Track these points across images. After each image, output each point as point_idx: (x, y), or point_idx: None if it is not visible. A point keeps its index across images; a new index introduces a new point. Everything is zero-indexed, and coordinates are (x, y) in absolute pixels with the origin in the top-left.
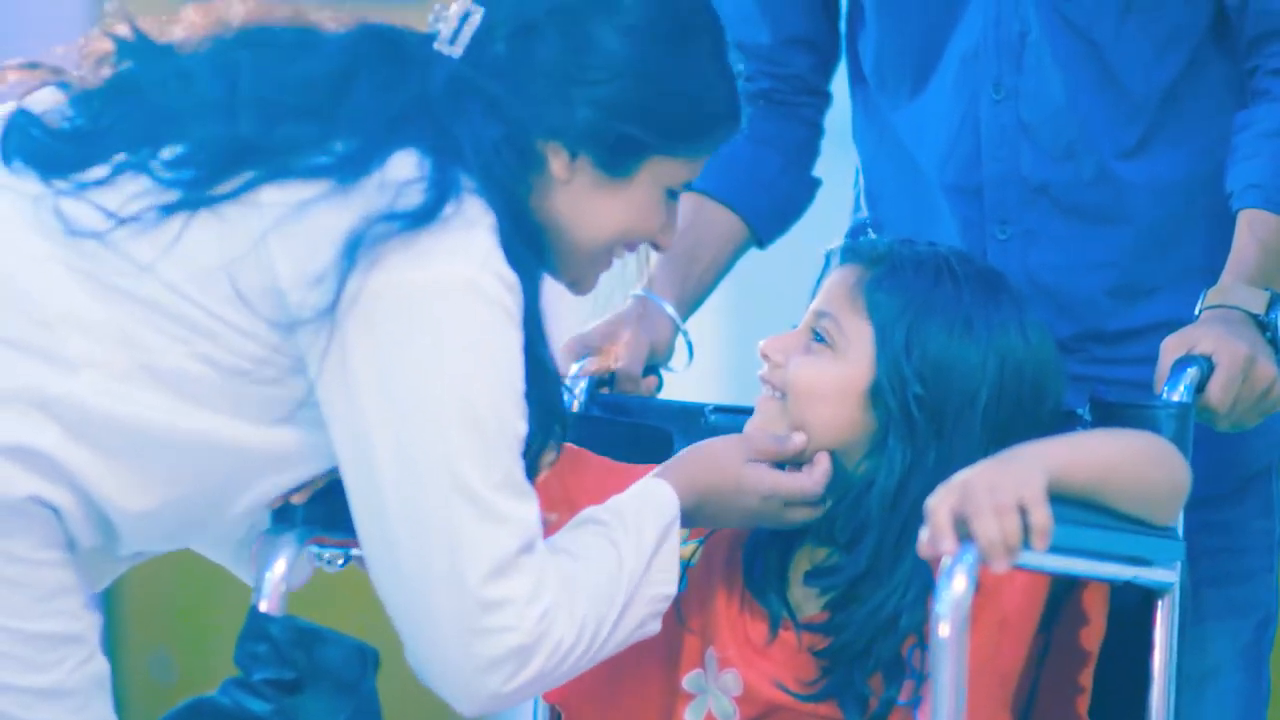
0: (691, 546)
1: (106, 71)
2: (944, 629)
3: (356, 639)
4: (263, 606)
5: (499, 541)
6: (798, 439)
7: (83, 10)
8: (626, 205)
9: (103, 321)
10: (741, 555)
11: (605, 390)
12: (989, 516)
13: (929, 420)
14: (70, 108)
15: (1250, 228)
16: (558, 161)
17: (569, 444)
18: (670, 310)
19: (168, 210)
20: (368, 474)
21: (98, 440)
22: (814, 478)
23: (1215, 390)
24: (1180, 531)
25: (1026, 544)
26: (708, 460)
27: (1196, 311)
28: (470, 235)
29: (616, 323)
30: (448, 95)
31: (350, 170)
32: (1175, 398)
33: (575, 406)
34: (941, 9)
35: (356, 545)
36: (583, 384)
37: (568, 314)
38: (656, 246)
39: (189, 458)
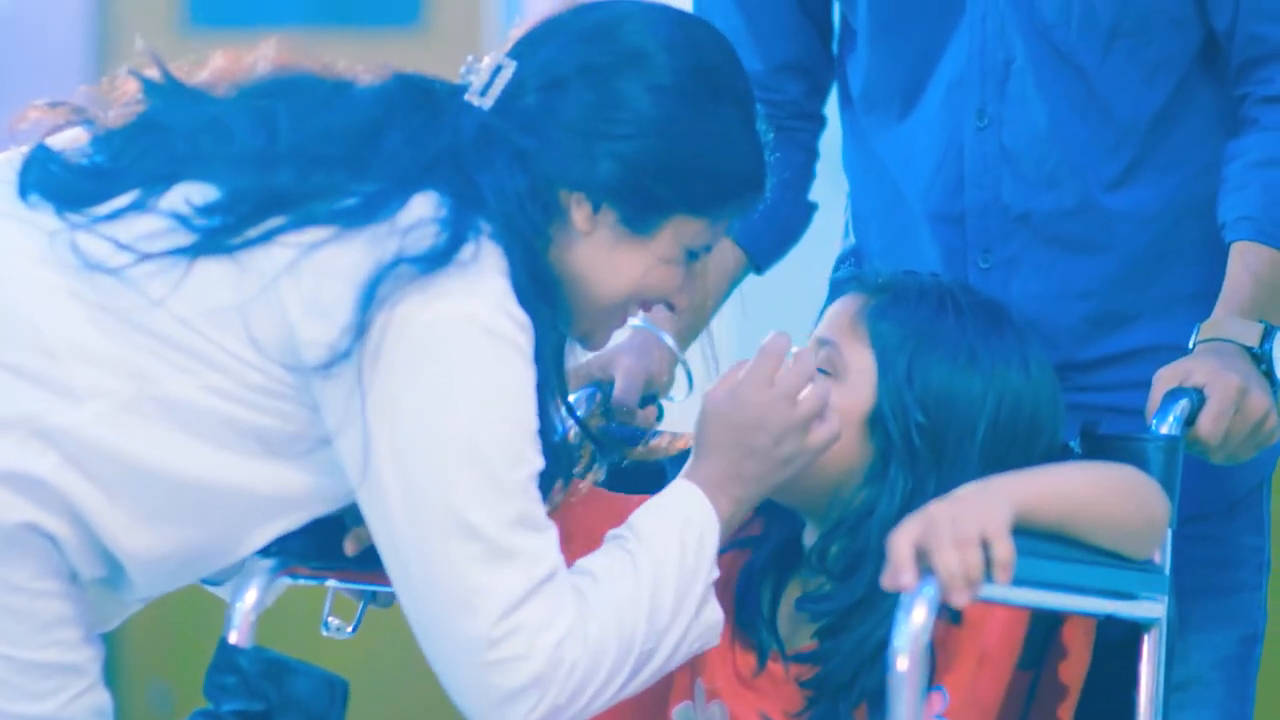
0: None
1: (132, 112)
2: (901, 662)
3: (325, 670)
4: (232, 638)
5: (509, 580)
6: (777, 339)
7: (84, 46)
8: (646, 262)
9: (110, 353)
10: (735, 587)
11: (602, 422)
12: (950, 549)
13: (930, 449)
14: (91, 146)
15: (1243, 260)
16: (580, 213)
17: None
18: (668, 340)
19: (187, 253)
20: (381, 512)
21: (100, 473)
22: (799, 368)
23: (1206, 423)
24: (1167, 563)
25: (990, 577)
26: (719, 429)
27: (1190, 345)
28: (484, 277)
29: (613, 353)
30: (476, 145)
31: (367, 212)
32: (1164, 430)
33: (571, 438)
34: (930, 35)
35: (331, 576)
36: (580, 413)
37: None
38: (671, 307)
39: (194, 495)
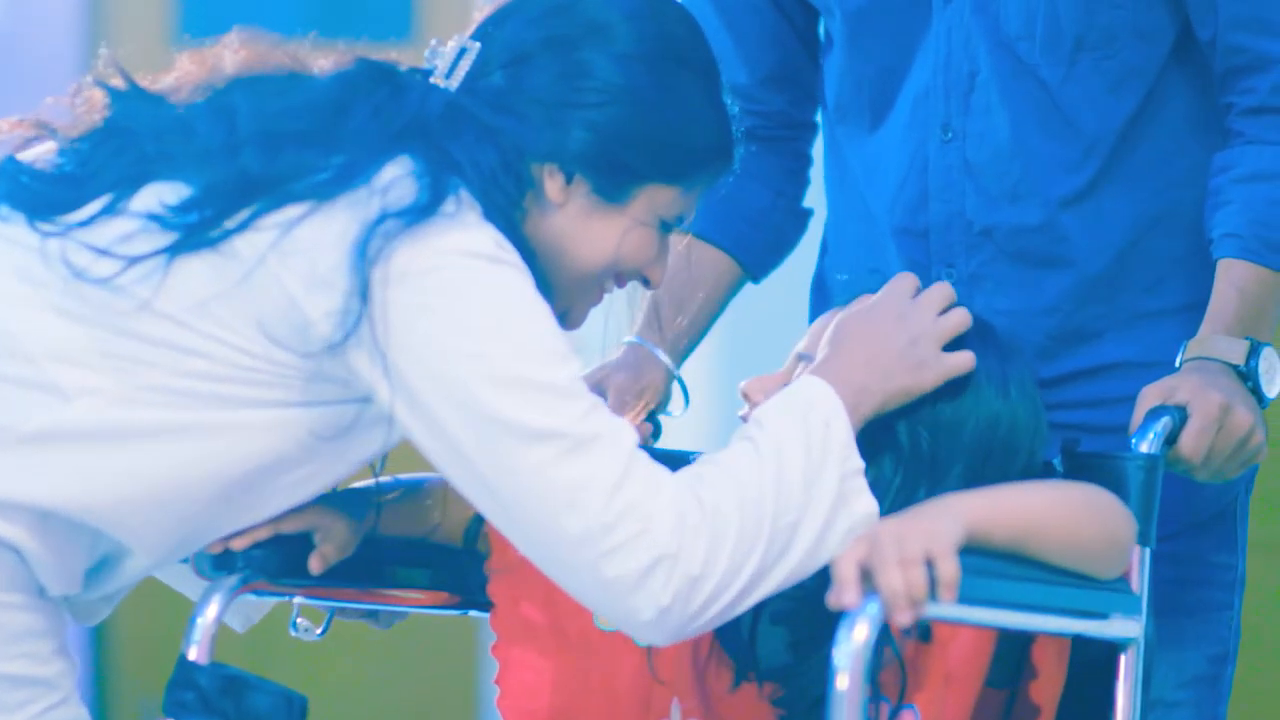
0: None
1: (96, 119)
2: (842, 681)
3: (284, 687)
4: (191, 654)
5: (600, 464)
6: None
7: (75, 59)
8: (620, 231)
9: (94, 355)
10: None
11: None
12: (893, 568)
13: (926, 457)
14: (59, 155)
15: (1228, 277)
16: (553, 184)
17: None
18: (663, 356)
19: (170, 251)
20: (455, 455)
21: (97, 466)
22: (944, 288)
23: (1187, 441)
24: (1145, 582)
25: (935, 596)
26: (859, 324)
27: (1177, 363)
28: (476, 227)
29: (605, 369)
30: (444, 121)
31: (341, 181)
32: (1145, 448)
33: None
34: (899, 47)
35: (297, 591)
36: None
37: None
38: (647, 283)
39: (199, 470)
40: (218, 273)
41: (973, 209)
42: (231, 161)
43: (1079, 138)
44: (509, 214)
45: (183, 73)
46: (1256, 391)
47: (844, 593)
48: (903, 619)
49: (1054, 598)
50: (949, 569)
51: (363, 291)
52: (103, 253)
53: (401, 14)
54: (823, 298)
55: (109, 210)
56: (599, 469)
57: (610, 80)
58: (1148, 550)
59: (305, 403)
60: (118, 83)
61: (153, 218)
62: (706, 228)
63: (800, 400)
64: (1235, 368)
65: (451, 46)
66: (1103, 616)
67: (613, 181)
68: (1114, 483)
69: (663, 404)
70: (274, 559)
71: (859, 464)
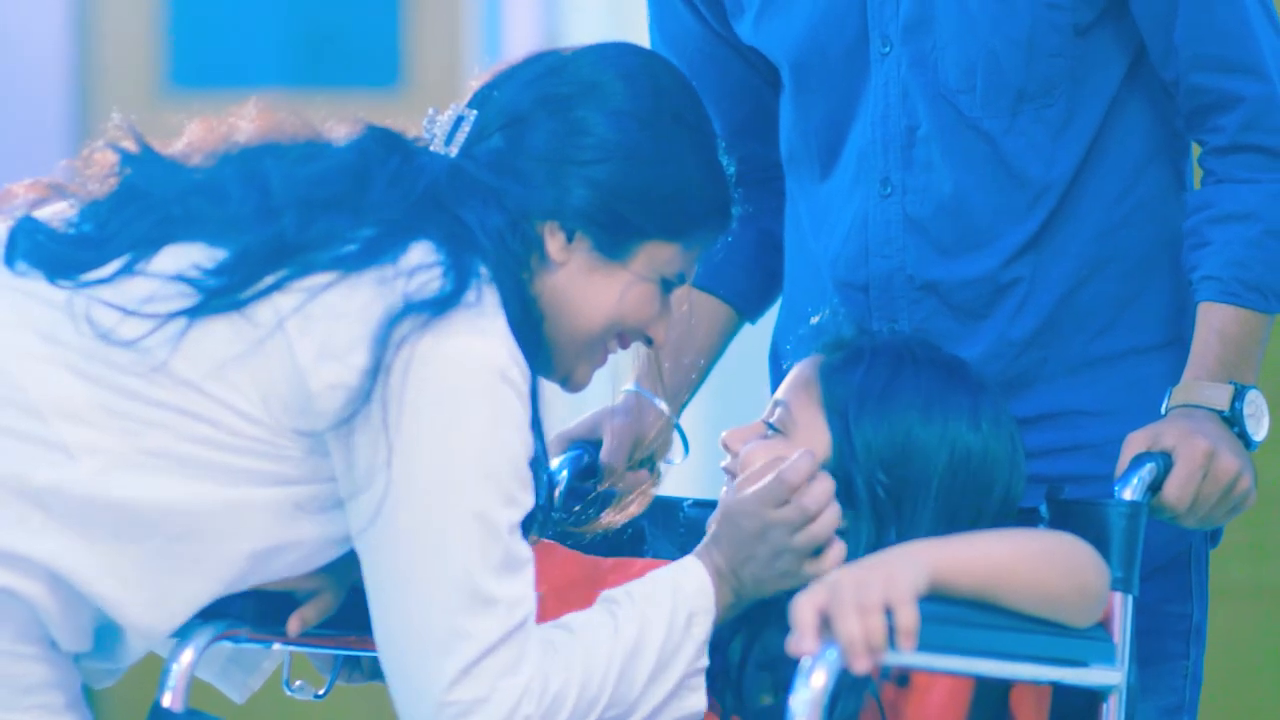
0: None
1: (112, 183)
2: None
3: None
4: (165, 700)
5: (487, 627)
6: (802, 461)
7: (65, 108)
8: (622, 289)
9: (102, 414)
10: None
11: (590, 484)
12: (851, 615)
13: (890, 501)
14: (78, 216)
15: (1208, 321)
16: (554, 242)
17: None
18: (661, 404)
19: (196, 312)
20: (383, 549)
21: (95, 529)
22: (813, 496)
23: (1172, 488)
24: (1127, 629)
25: (894, 644)
26: (730, 525)
27: (1163, 410)
28: (490, 318)
29: (602, 415)
30: (451, 185)
31: (368, 256)
32: (1128, 495)
33: (556, 498)
34: (840, 100)
35: (277, 640)
36: (564, 475)
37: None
38: (649, 342)
39: (193, 542)
40: (236, 335)
41: (914, 264)
42: (268, 225)
43: (1024, 189)
44: (518, 277)
45: (195, 138)
46: (1243, 436)
47: (803, 639)
48: (860, 666)
49: (1021, 645)
50: (908, 616)
51: (375, 373)
52: (130, 313)
53: (389, 61)
54: (777, 353)
55: (128, 270)
56: (482, 631)
57: (607, 137)
58: (1130, 598)
59: (305, 479)
60: (130, 145)
61: (181, 279)
62: (698, 276)
63: (674, 589)
64: (1220, 413)
65: (448, 115)
66: (1082, 664)
67: (614, 238)
68: (1097, 529)
69: (662, 451)
70: (253, 607)
71: (705, 663)
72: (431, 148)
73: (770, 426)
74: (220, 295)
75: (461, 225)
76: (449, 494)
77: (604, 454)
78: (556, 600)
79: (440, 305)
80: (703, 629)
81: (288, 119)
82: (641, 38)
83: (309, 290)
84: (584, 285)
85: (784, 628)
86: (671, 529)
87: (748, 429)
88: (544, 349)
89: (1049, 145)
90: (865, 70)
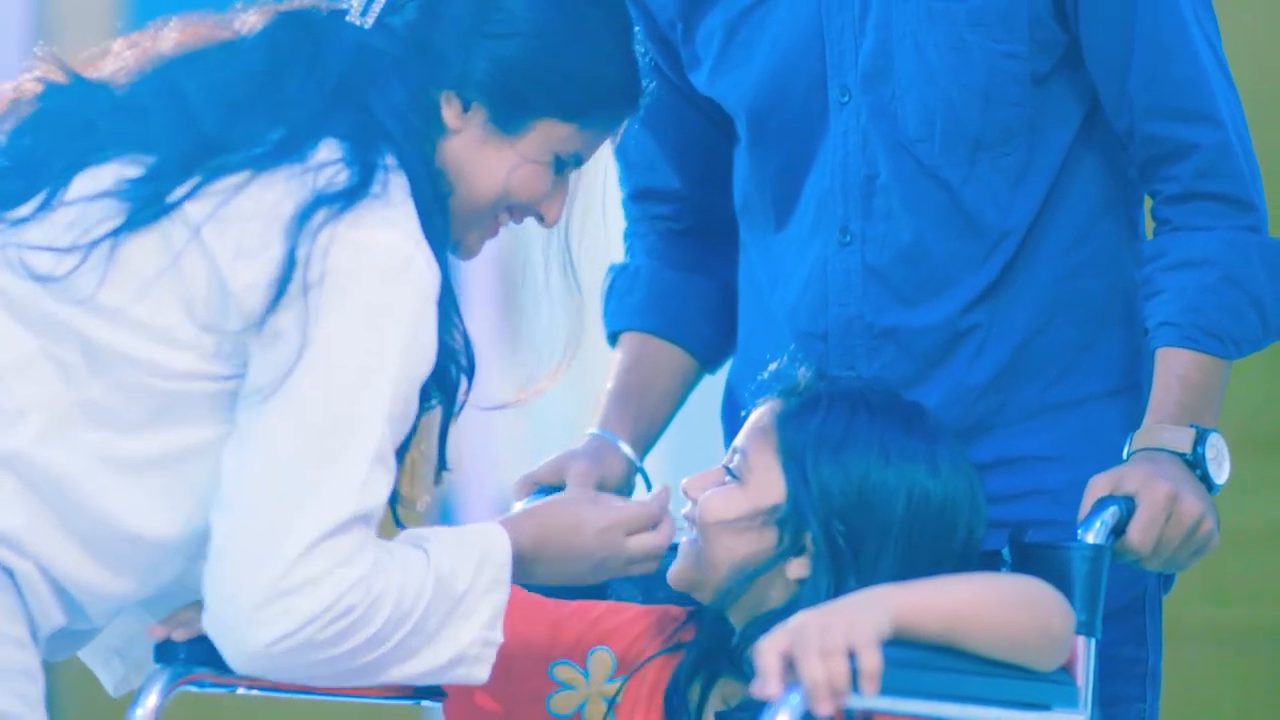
0: (616, 684)
1: (30, 109)
2: None
3: None
4: None
5: (338, 512)
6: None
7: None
8: (513, 163)
9: (41, 361)
10: (663, 692)
11: None
12: (814, 659)
13: (848, 547)
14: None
15: (1167, 366)
16: (450, 110)
17: None
18: (624, 447)
19: (122, 229)
20: (270, 419)
21: (50, 497)
22: (655, 504)
23: (1135, 531)
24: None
25: (858, 687)
26: (549, 505)
27: (1125, 455)
28: (400, 208)
29: (565, 458)
30: (359, 65)
31: (278, 155)
32: (1091, 538)
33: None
34: (798, 150)
35: (240, 683)
36: None
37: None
38: (541, 219)
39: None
40: (157, 250)
41: (873, 312)
42: (186, 132)
43: (982, 237)
44: (424, 152)
45: (120, 60)
46: (1205, 479)
47: (767, 683)
48: (824, 710)
49: (984, 689)
50: (871, 660)
51: (289, 267)
52: (63, 250)
53: None
54: (731, 403)
55: (47, 206)
56: (339, 513)
57: (520, 12)
58: (1093, 641)
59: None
60: (57, 76)
61: (105, 195)
62: (659, 324)
63: (483, 556)
64: (1183, 456)
65: None
66: (1045, 708)
67: (509, 112)
68: (1059, 573)
69: (625, 495)
70: (217, 651)
71: (499, 639)
72: (348, 17)
73: (729, 473)
74: (144, 207)
75: (368, 114)
76: (350, 377)
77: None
78: (522, 646)
79: (348, 196)
80: (500, 599)
81: (209, 29)
82: None
83: (223, 193)
84: (476, 155)
85: (742, 671)
86: (636, 574)
87: (707, 475)
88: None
89: (1007, 194)
90: (823, 119)
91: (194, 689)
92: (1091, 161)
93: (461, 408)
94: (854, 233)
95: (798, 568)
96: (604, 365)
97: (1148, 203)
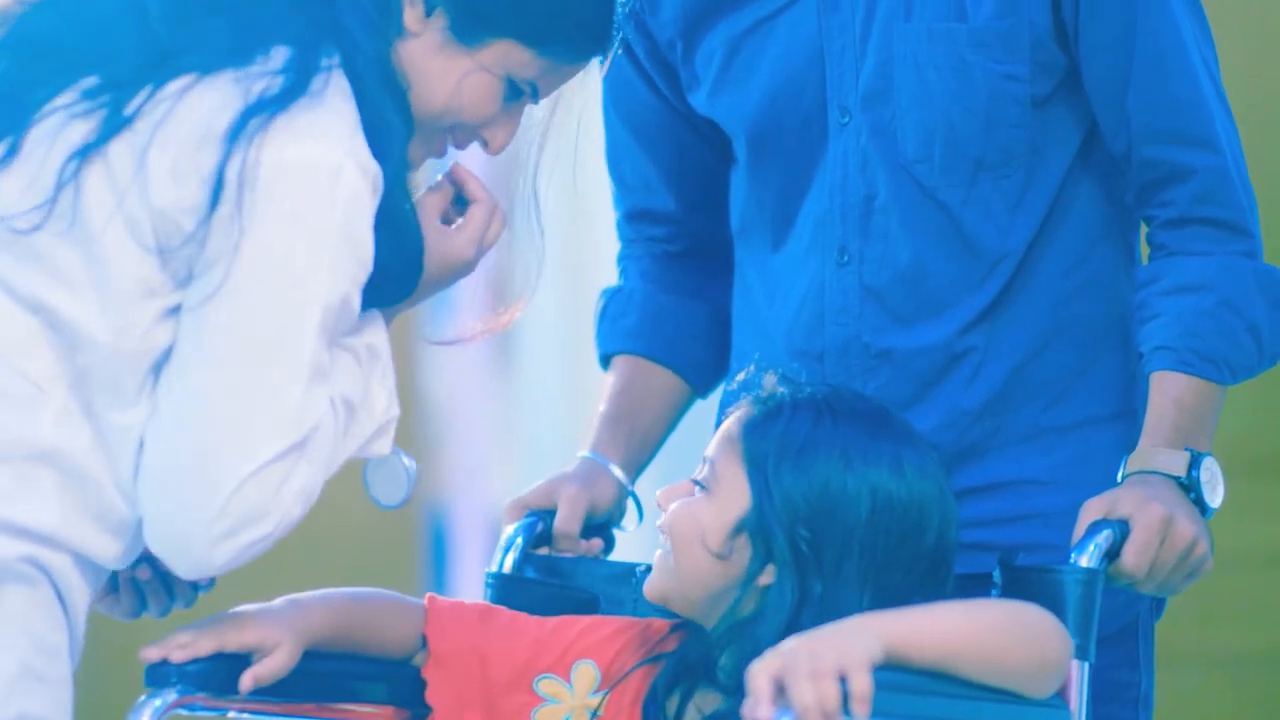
0: (599, 697)
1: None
2: None
3: None
4: None
5: (280, 437)
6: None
7: None
8: (464, 77)
9: (37, 333)
10: (642, 704)
11: (545, 550)
12: (805, 682)
13: (812, 554)
14: None
15: (1163, 390)
16: (412, 13)
17: (481, 602)
18: (615, 470)
19: (86, 150)
20: (209, 328)
21: (76, 481)
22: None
23: (1130, 554)
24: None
25: (848, 711)
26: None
27: (1119, 478)
28: (335, 114)
29: (557, 482)
30: None
31: (226, 58)
32: (1084, 562)
33: (508, 567)
34: (797, 169)
35: (232, 706)
36: (519, 542)
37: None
38: (485, 145)
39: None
40: (107, 190)
41: (870, 332)
42: (146, 39)
43: (980, 258)
44: (380, 48)
45: None
46: (1199, 502)
47: (758, 706)
48: None
49: (976, 714)
50: (862, 683)
51: (224, 177)
52: (41, 206)
53: None
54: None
55: (14, 150)
56: (281, 438)
57: None
58: (1086, 665)
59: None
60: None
61: (67, 112)
62: (651, 347)
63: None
64: (1177, 479)
65: None
66: None
67: (470, 24)
68: (1052, 597)
69: (617, 518)
70: (211, 674)
71: (397, 413)
72: None
73: (698, 484)
74: (102, 125)
75: (330, 9)
76: (278, 300)
77: (558, 522)
78: (506, 668)
79: (279, 102)
80: (389, 381)
81: None
82: None
83: (170, 99)
84: (430, 63)
85: (718, 684)
86: (626, 595)
87: (678, 487)
88: (410, 122)
89: (1005, 216)
90: (823, 140)
91: (184, 712)
92: (1089, 186)
93: (409, 301)
94: (852, 253)
95: (766, 576)
96: (597, 388)
97: (1143, 229)
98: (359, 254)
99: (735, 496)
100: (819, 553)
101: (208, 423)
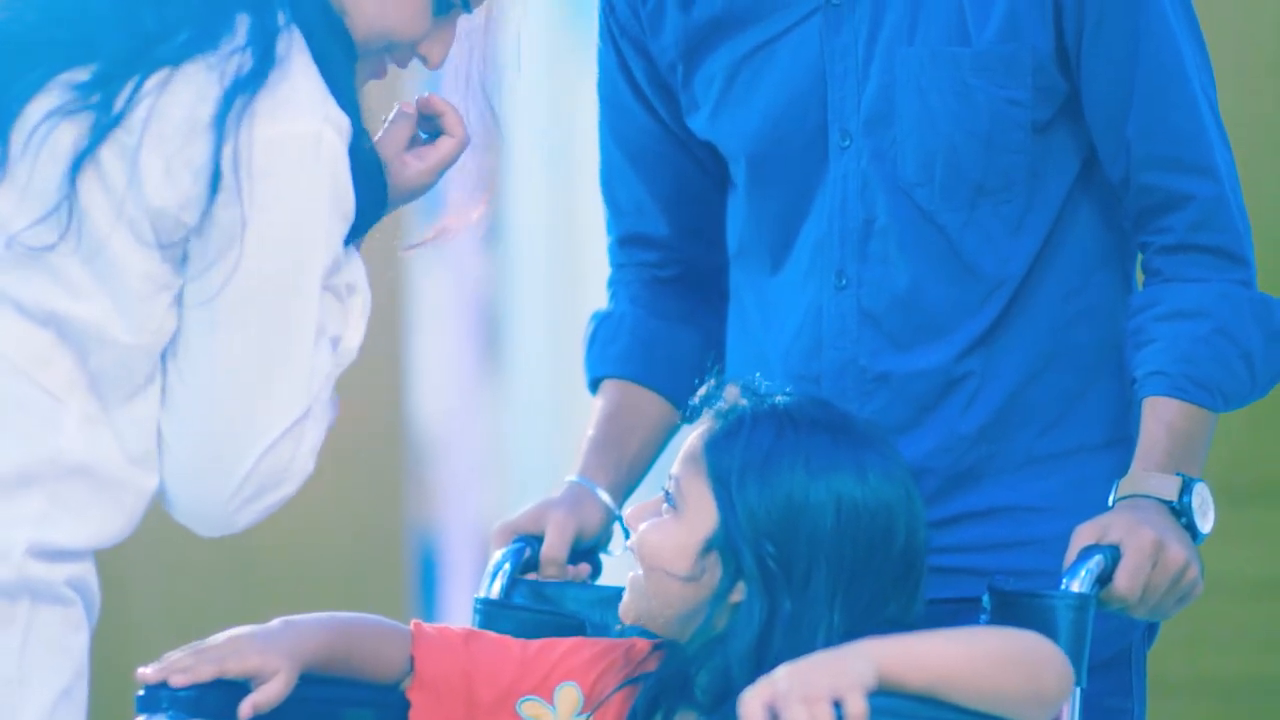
0: (583, 719)
1: None
2: None
3: None
4: None
5: (292, 405)
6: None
7: None
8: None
9: (51, 345)
10: None
11: (532, 576)
12: (798, 706)
13: (779, 568)
14: None
15: (1155, 415)
16: None
17: (466, 627)
18: (603, 495)
19: (84, 153)
20: (216, 316)
21: (105, 487)
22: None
23: (1121, 579)
24: None
25: None
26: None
27: (1110, 502)
28: (301, 79)
29: (544, 507)
30: None
31: (193, 45)
32: (1076, 587)
33: (496, 592)
34: (797, 192)
35: None
36: (506, 567)
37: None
38: (425, 62)
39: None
40: (103, 191)
41: (867, 355)
42: (129, 25)
43: (979, 283)
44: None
45: None
46: (1190, 528)
47: None
48: None
49: None
50: (855, 706)
51: (216, 163)
52: (45, 220)
53: None
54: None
55: (3, 158)
56: (294, 405)
57: None
58: (1078, 690)
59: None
60: None
61: (58, 114)
62: (641, 373)
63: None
64: (1168, 504)
65: None
66: None
67: None
68: (1044, 622)
69: (604, 543)
70: (205, 700)
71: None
72: None
73: (668, 500)
74: (98, 122)
75: None
76: (285, 275)
77: (546, 548)
78: (494, 689)
79: (254, 80)
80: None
81: None
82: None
83: (152, 93)
84: None
85: (696, 703)
86: (612, 621)
87: (648, 505)
88: (353, 52)
89: (1005, 241)
90: (823, 163)
91: None
92: (1089, 213)
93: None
94: (850, 276)
95: (737, 593)
96: (586, 410)
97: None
98: (344, 210)
99: (702, 515)
100: (786, 567)
101: (229, 401)
